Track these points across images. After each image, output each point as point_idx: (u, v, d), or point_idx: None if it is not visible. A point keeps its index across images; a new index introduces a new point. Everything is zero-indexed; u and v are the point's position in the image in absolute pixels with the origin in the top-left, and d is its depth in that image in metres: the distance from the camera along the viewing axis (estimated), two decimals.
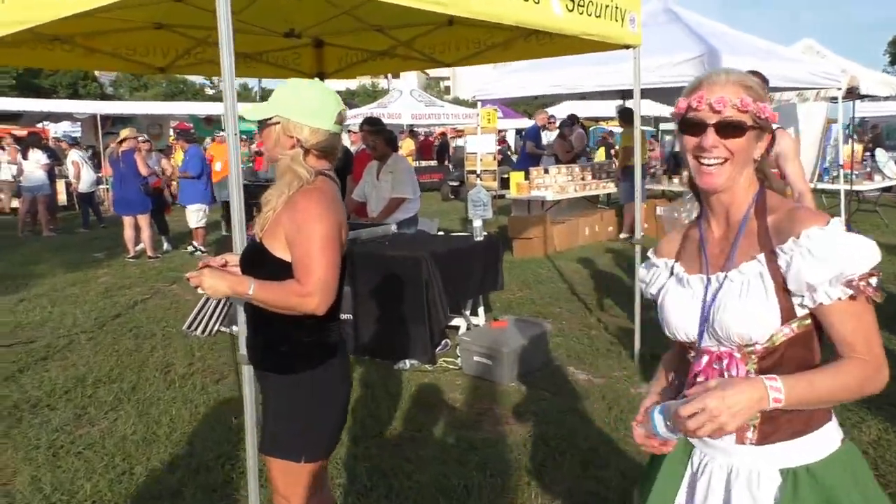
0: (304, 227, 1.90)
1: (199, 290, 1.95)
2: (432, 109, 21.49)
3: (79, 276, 8.42)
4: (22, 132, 18.11)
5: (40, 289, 7.72)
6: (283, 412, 2.05)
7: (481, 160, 10.14)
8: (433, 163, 21.49)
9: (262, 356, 2.12)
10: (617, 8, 4.63)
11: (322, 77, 6.62)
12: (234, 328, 5.97)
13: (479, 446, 3.74)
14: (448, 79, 77.88)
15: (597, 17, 4.45)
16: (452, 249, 5.29)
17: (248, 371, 2.57)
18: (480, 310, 5.79)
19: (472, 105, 31.65)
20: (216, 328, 5.97)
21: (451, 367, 4.96)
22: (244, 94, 54.72)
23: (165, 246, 10.29)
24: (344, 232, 2.02)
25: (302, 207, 1.92)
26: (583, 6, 4.29)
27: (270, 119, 1.99)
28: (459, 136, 27.90)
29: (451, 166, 19.21)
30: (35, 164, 12.33)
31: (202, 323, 6.00)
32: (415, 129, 24.21)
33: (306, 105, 1.98)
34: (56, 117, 21.57)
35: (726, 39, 8.67)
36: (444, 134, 27.64)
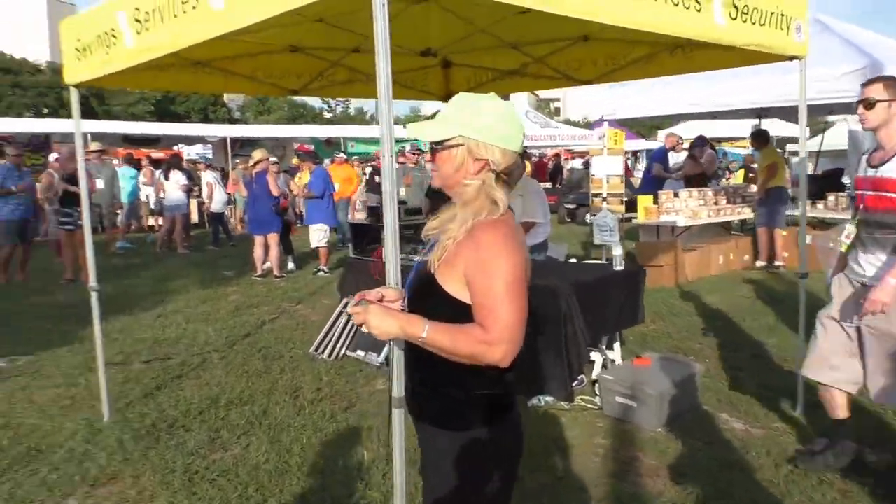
0: (489, 264, 1.65)
1: (364, 330, 1.73)
2: (547, 131, 21.14)
3: (210, 294, 8.68)
4: (159, 154, 19.36)
5: (175, 305, 8.00)
6: (449, 473, 1.79)
7: (608, 182, 9.73)
8: (547, 185, 21.11)
9: (425, 407, 1.87)
10: (783, 15, 4.19)
11: (451, 98, 6.50)
12: (360, 352, 5.90)
13: (627, 501, 3.38)
14: (558, 100, 77.36)
15: (761, 25, 4.04)
16: (591, 279, 4.95)
17: (398, 416, 2.35)
18: (616, 344, 5.40)
19: (585, 126, 31.05)
20: (343, 352, 5.90)
21: (590, 406, 4.61)
22: (358, 118, 56.62)
23: (290, 266, 10.49)
24: (529, 271, 1.76)
25: (487, 242, 1.67)
26: (747, 13, 3.90)
27: (450, 140, 1.77)
28: (573, 158, 27.42)
29: (566, 188, 18.79)
30: (175, 185, 12.99)
31: (329, 346, 5.95)
32: (528, 150, 23.95)
33: (494, 123, 1.75)
34: (190, 140, 23.00)
35: (885, 49, 7.88)
36: (557, 155, 27.25)
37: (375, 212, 7.05)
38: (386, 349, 5.74)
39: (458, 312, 1.70)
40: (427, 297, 1.78)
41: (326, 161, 17.61)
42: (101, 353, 4.55)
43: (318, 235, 10.39)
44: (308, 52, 5.23)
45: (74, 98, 4.35)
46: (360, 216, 17.16)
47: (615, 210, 9.63)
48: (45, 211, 13.38)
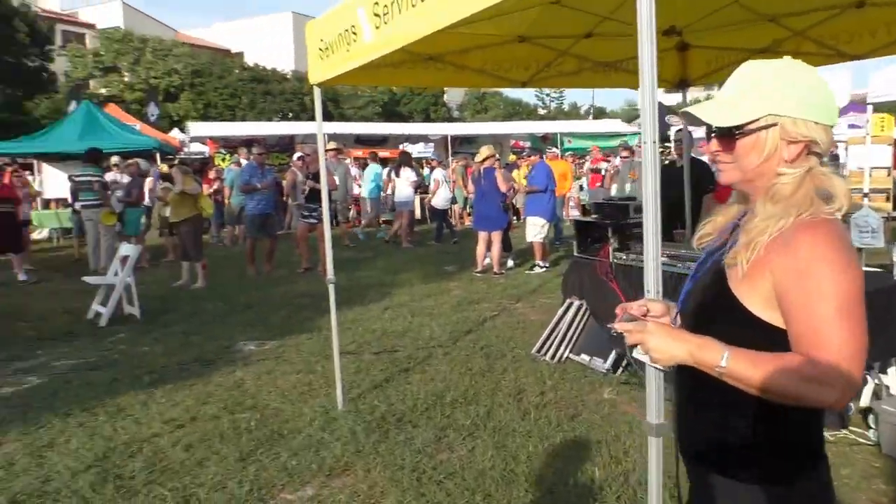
0: (814, 277, 1.29)
1: (638, 354, 1.43)
2: None
3: (433, 288, 8.87)
4: (384, 153, 20.51)
5: (401, 298, 8.26)
6: None
7: (870, 176, 8.39)
8: None
9: (710, 448, 1.51)
10: None
11: (686, 84, 5.94)
12: (584, 356, 5.59)
13: None
14: None
15: None
16: (869, 289, 4.17)
17: (656, 446, 2.02)
18: (892, 369, 4.52)
19: None
20: (566, 355, 5.64)
21: (862, 441, 3.89)
22: (573, 114, 55.79)
23: (510, 263, 10.45)
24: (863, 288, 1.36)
25: (809, 246, 1.30)
26: None
27: (755, 121, 1.40)
28: None
29: None
30: (406, 182, 13.57)
31: (551, 348, 5.72)
32: None
33: (808, 93, 1.37)
34: (413, 139, 24.16)
35: None
36: None
37: (603, 210, 6.66)
38: (613, 355, 5.38)
39: (762, 337, 1.34)
40: (717, 316, 1.43)
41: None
42: (337, 343, 4.72)
43: (535, 230, 10.21)
44: (537, 41, 5.04)
45: (317, 97, 4.52)
46: (574, 213, 16.74)
47: (880, 208, 8.29)
48: (288, 206, 14.72)
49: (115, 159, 13.35)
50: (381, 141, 21.92)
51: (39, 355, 6.15)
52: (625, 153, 12.82)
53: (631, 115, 42.28)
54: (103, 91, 38.23)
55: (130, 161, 12.96)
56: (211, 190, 15.01)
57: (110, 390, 5.09)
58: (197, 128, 21.56)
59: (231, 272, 10.58)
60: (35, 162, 17.42)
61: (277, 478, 3.61)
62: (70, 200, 12.40)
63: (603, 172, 14.06)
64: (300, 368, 5.54)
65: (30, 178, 17.36)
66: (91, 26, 48.20)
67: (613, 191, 13.03)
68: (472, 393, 4.88)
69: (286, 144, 18.83)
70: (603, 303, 5.70)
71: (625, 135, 22.82)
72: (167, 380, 5.31)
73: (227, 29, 57.97)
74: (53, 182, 16.01)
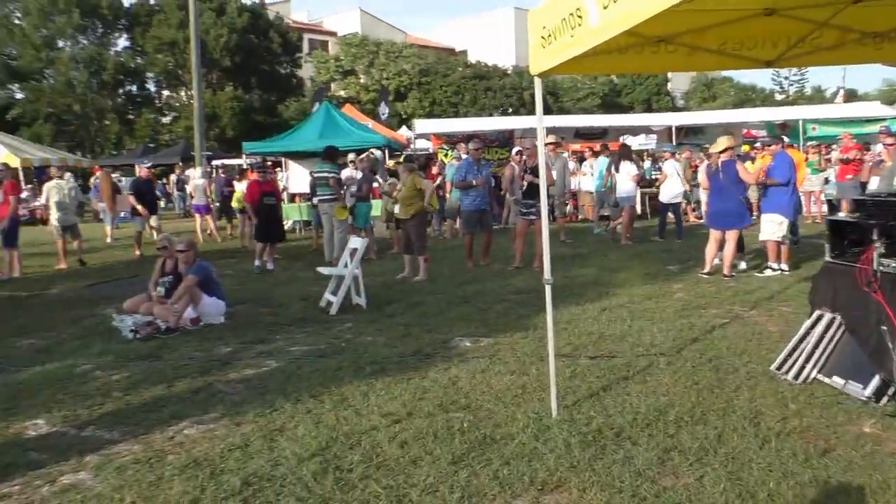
0: None
1: None
2: None
3: (654, 290, 8.31)
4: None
5: (619, 299, 7.82)
6: None
7: None
8: None
9: None
10: None
11: None
12: (837, 379, 4.82)
13: None
14: None
15: None
16: None
17: None
18: None
19: None
20: (813, 375, 4.91)
21: None
22: (817, 98, 49.94)
23: (742, 265, 9.50)
24: None
25: None
26: None
27: None
28: None
29: None
30: (626, 176, 12.97)
31: (795, 365, 5.01)
32: None
33: None
34: (634, 131, 23.16)
35: None
36: None
37: (864, 206, 5.71)
38: (876, 380, 4.56)
39: None
40: None
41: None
42: (552, 346, 4.50)
43: (772, 228, 9.14)
44: (788, 13, 4.39)
45: (538, 89, 4.33)
46: (815, 210, 14.85)
47: None
48: (505, 200, 14.79)
49: (350, 156, 14.35)
50: (601, 133, 21.27)
51: (277, 340, 6.68)
52: (889, 140, 11.07)
53: (891, 97, 36.89)
54: (342, 93, 41.73)
55: (363, 155, 13.85)
56: (434, 185, 15.53)
57: (335, 378, 5.34)
58: (422, 125, 22.56)
59: (450, 266, 10.81)
60: (283, 160, 19.33)
61: (488, 486, 3.47)
62: (310, 195, 13.53)
63: (868, 162, 12.24)
64: (514, 369, 5.40)
65: (280, 175, 19.37)
66: (333, 34, 52.80)
67: (874, 184, 11.31)
68: (700, 411, 4.39)
69: (506, 139, 18.96)
70: (864, 318, 4.87)
71: (884, 119, 19.88)
72: (387, 371, 5.46)
73: (452, 28, 60.29)
74: (298, 178, 17.61)
